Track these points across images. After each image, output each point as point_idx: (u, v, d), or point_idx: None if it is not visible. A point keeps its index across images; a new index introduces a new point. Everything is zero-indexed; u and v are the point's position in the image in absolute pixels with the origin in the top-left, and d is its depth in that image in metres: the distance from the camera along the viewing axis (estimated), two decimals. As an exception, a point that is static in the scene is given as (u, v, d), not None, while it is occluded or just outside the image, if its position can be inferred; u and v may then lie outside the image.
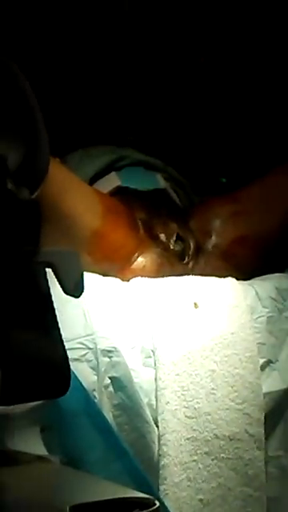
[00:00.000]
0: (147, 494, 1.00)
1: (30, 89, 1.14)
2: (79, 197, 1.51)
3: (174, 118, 1.99)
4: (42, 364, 1.09)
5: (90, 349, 1.35)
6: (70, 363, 1.13)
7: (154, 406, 1.36)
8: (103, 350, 1.35)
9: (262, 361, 1.43)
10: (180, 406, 1.37)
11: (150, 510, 0.96)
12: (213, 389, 1.39)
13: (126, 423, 1.34)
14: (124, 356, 1.35)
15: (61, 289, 1.13)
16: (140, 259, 1.56)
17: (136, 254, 1.56)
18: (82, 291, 1.14)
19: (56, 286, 1.13)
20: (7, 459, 1.16)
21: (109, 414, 1.33)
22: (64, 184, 1.47)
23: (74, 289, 1.13)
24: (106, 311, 1.39)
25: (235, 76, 1.95)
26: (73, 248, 1.24)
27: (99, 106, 1.94)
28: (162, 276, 1.53)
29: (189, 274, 1.55)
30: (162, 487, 1.34)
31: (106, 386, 1.35)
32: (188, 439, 1.36)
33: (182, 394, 1.37)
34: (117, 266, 1.52)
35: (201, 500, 1.36)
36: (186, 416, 1.37)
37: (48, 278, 1.13)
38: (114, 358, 1.35)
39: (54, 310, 1.12)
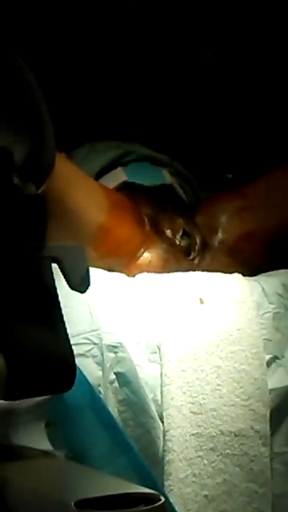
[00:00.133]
0: (152, 489, 1.00)
1: (35, 82, 1.14)
2: (85, 192, 1.50)
3: (180, 113, 1.99)
4: (47, 359, 1.09)
5: (95, 344, 1.35)
6: (76, 358, 1.13)
7: (159, 402, 1.36)
8: (108, 345, 1.35)
9: (267, 357, 1.43)
10: (185, 402, 1.36)
11: (155, 505, 0.96)
12: (218, 385, 1.39)
13: (131, 419, 1.34)
14: (129, 351, 1.35)
15: (66, 284, 1.13)
16: (146, 255, 1.56)
17: (142, 250, 1.56)
18: (88, 286, 1.14)
19: (62, 281, 1.13)
20: (12, 454, 1.16)
21: (114, 410, 1.33)
22: (69, 179, 1.46)
23: (80, 284, 1.13)
24: (111, 306, 1.39)
25: (241, 71, 1.94)
26: (78, 243, 1.24)
27: (105, 100, 1.94)
28: (168, 272, 1.52)
29: (195, 270, 1.55)
30: (166, 483, 1.34)
31: (112, 382, 1.35)
32: (193, 435, 1.36)
33: (188, 390, 1.37)
34: (122, 261, 1.52)
35: (206, 496, 1.36)
36: (191, 412, 1.37)
37: (54, 272, 1.13)
38: (120, 354, 1.35)
39: (59, 305, 1.12)
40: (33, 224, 1.11)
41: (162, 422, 1.35)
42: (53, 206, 1.16)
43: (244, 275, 1.52)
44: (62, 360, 1.11)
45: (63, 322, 1.12)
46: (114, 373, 1.35)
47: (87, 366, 1.32)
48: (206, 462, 1.36)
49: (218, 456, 1.37)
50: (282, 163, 1.70)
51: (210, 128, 1.99)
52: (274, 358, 1.44)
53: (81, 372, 1.24)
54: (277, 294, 1.48)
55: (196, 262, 1.60)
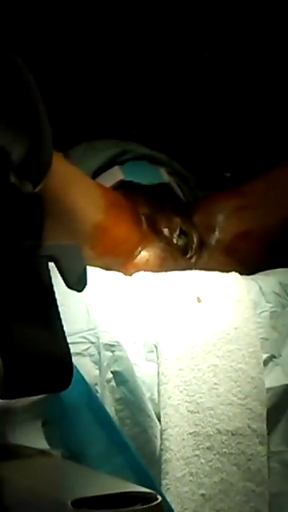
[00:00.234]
0: (149, 488, 1.00)
1: (33, 82, 1.14)
2: (82, 191, 1.50)
3: (177, 112, 1.99)
4: (44, 358, 1.09)
5: (92, 343, 1.35)
6: (72, 357, 1.13)
7: (156, 401, 1.36)
8: (105, 344, 1.35)
9: (264, 356, 1.43)
10: (182, 401, 1.36)
11: (152, 504, 0.96)
12: (215, 384, 1.39)
13: (128, 417, 1.34)
14: (126, 350, 1.35)
15: (63, 282, 1.13)
16: (143, 253, 1.56)
17: (139, 249, 1.56)
18: (85, 285, 1.14)
19: (58, 280, 1.13)
20: (8, 453, 1.16)
21: (111, 409, 1.33)
22: (67, 177, 1.46)
23: (77, 283, 1.13)
24: (108, 305, 1.39)
25: (239, 70, 1.94)
26: (75, 242, 1.24)
27: (103, 99, 1.94)
28: (165, 270, 1.52)
29: (192, 269, 1.55)
30: (163, 482, 1.34)
31: (108, 381, 1.35)
32: (190, 434, 1.36)
33: (185, 389, 1.37)
34: (119, 260, 1.52)
35: (203, 495, 1.36)
36: (188, 411, 1.37)
37: (51, 271, 1.13)
38: (117, 353, 1.35)
39: (56, 303, 1.12)
40: (30, 223, 1.10)
41: (159, 420, 1.35)
42: (50, 205, 1.16)
43: (241, 274, 1.52)
44: (58, 359, 1.11)
45: (60, 321, 1.12)
46: (111, 372, 1.35)
47: (84, 365, 1.32)
48: (203, 460, 1.36)
49: (215, 455, 1.37)
50: (280, 162, 1.70)
51: (207, 127, 1.99)
52: (271, 357, 1.44)
53: (78, 371, 1.24)
54: (274, 293, 1.48)
55: (193, 260, 1.60)
